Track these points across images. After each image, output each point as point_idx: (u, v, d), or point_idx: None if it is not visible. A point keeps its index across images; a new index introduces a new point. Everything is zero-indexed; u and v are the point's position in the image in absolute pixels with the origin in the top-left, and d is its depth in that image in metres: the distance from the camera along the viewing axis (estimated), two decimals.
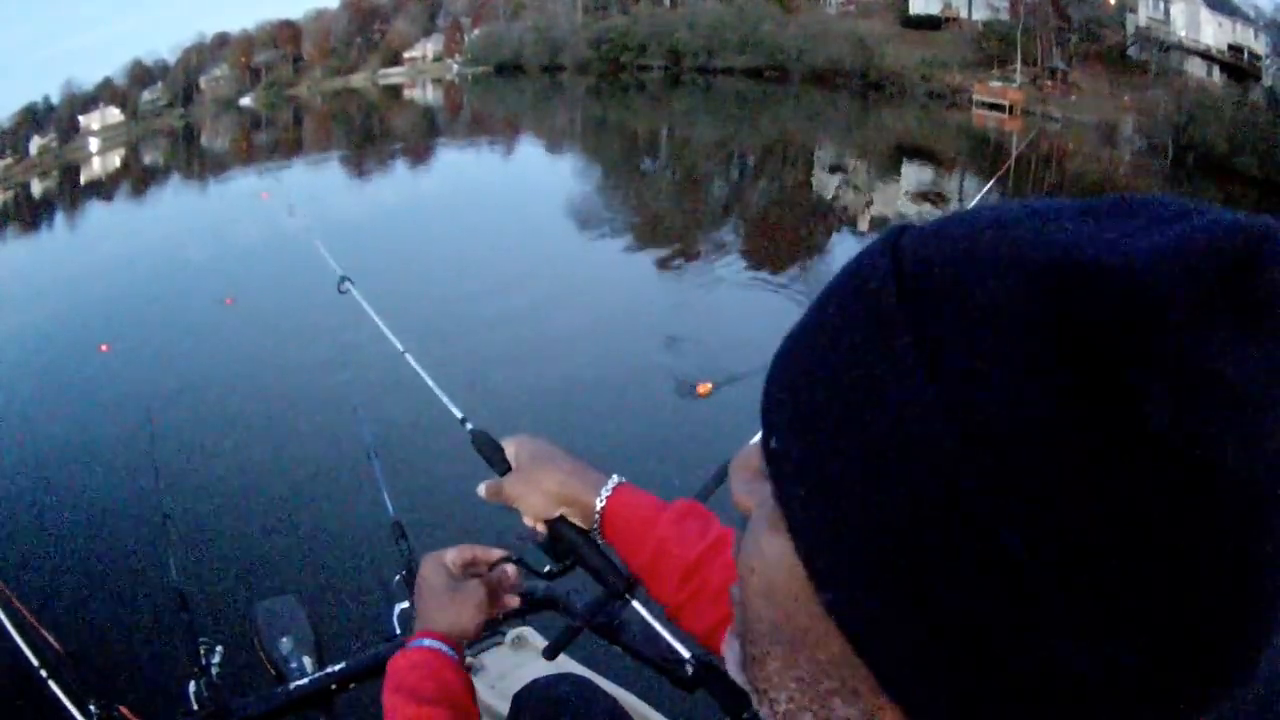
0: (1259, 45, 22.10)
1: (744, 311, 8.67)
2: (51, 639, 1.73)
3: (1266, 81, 20.99)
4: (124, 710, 1.32)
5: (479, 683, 1.43)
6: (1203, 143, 18.14)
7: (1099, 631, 0.26)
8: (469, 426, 0.98)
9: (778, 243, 12.21)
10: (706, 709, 0.87)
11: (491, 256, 11.22)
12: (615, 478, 0.84)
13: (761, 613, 0.35)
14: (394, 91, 49.99)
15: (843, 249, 11.41)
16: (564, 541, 0.85)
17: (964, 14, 31.91)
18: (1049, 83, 26.80)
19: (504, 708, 1.06)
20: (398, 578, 1.34)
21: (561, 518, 0.84)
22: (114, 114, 47.24)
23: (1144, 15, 25.94)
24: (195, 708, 1.17)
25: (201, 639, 1.28)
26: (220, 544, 4.66)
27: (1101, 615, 0.26)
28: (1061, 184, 16.67)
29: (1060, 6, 27.49)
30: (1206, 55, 23.72)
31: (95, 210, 26.44)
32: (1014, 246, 0.27)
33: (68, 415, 7.37)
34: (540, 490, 0.84)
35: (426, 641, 0.82)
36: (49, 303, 12.48)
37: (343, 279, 1.41)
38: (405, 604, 1.29)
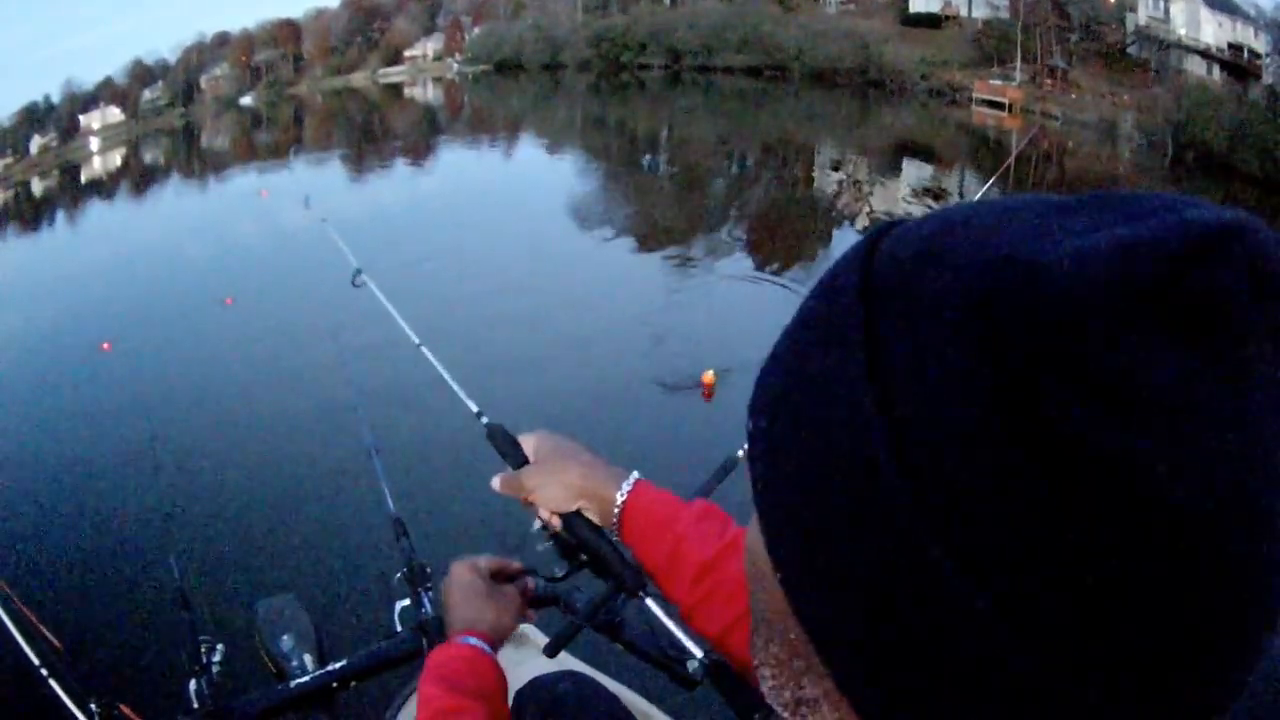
0: (1259, 44, 22.01)
1: (744, 311, 8.66)
2: (52, 637, 1.73)
3: (1266, 80, 20.92)
4: (124, 708, 1.32)
5: None
6: (1202, 141, 18.09)
7: (1021, 632, 0.25)
8: (484, 420, 0.98)
9: (777, 241, 12.20)
10: (708, 706, 0.87)
11: (492, 256, 11.21)
12: (635, 474, 0.84)
13: (753, 592, 0.36)
14: (395, 90, 49.95)
15: (844, 247, 11.32)
16: (578, 535, 0.85)
17: (964, 12, 31.84)
18: (1049, 81, 26.71)
19: None
20: (399, 575, 1.34)
21: (577, 512, 0.84)
22: (114, 113, 47.27)
23: (1144, 14, 25.87)
24: (196, 706, 1.17)
25: (202, 637, 1.27)
26: (221, 542, 4.65)
27: (1025, 620, 0.25)
28: (1062, 181, 16.64)
29: (1060, 5, 27.41)
30: (1206, 54, 23.65)
31: (96, 209, 26.41)
32: (967, 244, 0.26)
33: (69, 413, 7.36)
34: (561, 482, 0.84)
35: (473, 639, 0.83)
36: (50, 302, 12.49)
37: (357, 272, 1.41)
38: (406, 601, 1.29)
